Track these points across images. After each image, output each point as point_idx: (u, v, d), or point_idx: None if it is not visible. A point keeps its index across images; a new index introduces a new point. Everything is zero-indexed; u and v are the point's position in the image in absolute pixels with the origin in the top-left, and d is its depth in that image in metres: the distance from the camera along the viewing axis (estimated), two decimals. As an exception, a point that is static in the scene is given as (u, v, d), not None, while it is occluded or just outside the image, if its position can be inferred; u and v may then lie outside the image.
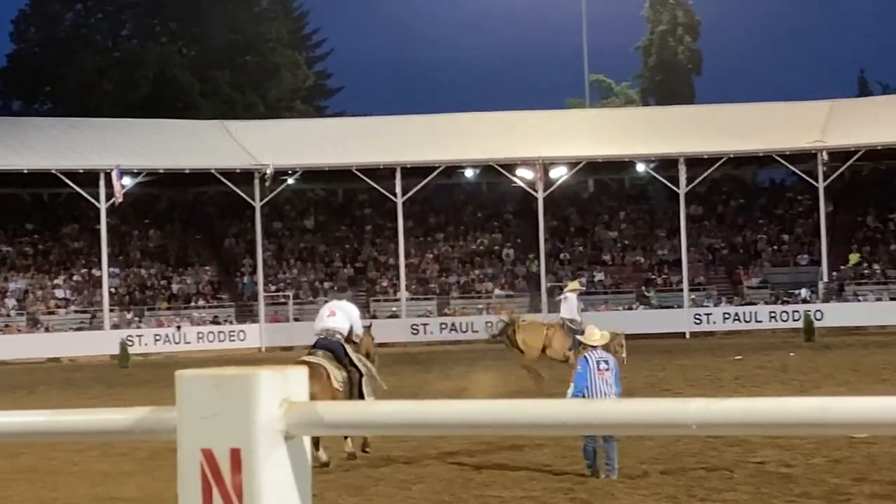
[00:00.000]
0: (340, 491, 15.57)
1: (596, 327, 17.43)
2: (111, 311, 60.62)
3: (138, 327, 60.79)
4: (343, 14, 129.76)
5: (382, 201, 65.90)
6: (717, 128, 63.69)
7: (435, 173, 63.56)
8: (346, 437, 18.73)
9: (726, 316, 61.54)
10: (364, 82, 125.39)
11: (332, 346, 19.24)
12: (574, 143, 63.74)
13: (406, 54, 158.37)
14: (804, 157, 63.30)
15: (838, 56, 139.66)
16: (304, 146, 63.69)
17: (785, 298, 62.32)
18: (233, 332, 61.39)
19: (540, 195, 62.72)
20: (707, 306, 62.72)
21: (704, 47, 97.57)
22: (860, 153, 61.74)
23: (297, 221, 71.57)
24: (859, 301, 61.72)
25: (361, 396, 18.64)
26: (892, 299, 61.70)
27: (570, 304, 30.37)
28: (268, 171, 61.46)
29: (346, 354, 19.23)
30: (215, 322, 62.46)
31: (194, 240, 69.58)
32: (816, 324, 51.70)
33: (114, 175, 57.44)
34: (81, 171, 59.69)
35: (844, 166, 62.77)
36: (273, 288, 64.82)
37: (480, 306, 64.20)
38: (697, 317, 61.06)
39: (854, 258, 65.09)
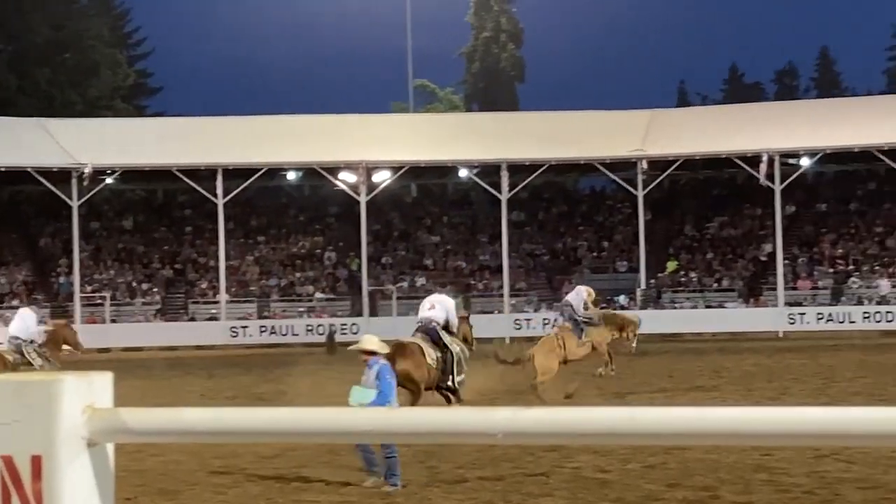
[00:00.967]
0: (154, 496, 15.34)
1: (374, 335, 16.65)
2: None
3: (-52, 328, 59.35)
4: (166, 13, 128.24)
5: (203, 203, 65.25)
6: (539, 135, 64.16)
7: (257, 175, 63.15)
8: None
9: (545, 321, 62.14)
10: (186, 82, 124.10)
11: (428, 330, 23.44)
12: (397, 147, 63.83)
13: (230, 55, 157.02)
14: (624, 166, 64.33)
15: (659, 67, 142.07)
16: (123, 146, 62.66)
17: (603, 305, 63.07)
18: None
19: (363, 199, 62.79)
20: (527, 311, 63.35)
21: (528, 55, 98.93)
22: (679, 162, 62.89)
23: (115, 222, 70.52)
24: (676, 308, 62.90)
25: (454, 374, 23.18)
26: (707, 307, 62.99)
27: (577, 296, 29.21)
28: (86, 171, 60.46)
29: (441, 339, 23.26)
30: (29, 323, 61.09)
31: (9, 239, 68.15)
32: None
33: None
34: None
35: (663, 175, 63.90)
36: (90, 289, 63.81)
37: (301, 309, 64.08)
38: (517, 322, 61.58)
39: (672, 266, 66.28)
